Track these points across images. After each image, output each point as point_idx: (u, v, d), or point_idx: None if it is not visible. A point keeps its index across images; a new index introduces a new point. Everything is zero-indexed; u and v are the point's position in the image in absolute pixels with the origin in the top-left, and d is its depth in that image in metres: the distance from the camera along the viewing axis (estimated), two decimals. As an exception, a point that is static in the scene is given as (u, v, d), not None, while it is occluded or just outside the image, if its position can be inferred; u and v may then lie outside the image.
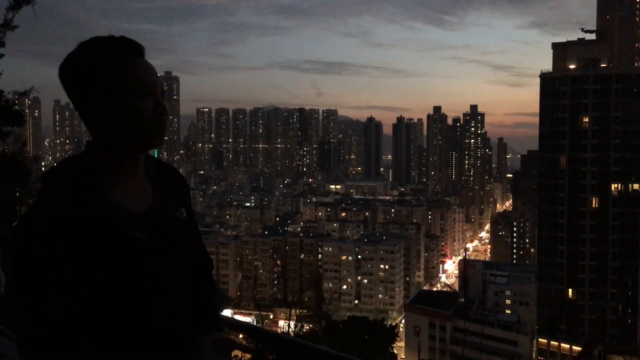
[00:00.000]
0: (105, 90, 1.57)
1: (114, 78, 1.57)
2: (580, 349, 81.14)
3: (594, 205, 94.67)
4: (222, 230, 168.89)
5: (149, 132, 1.63)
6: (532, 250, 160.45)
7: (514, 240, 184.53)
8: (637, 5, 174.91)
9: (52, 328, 1.50)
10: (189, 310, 1.85)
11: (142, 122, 1.60)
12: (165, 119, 1.66)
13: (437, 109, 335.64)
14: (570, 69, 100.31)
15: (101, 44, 1.60)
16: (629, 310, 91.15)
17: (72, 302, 1.52)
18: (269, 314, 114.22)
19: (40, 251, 1.48)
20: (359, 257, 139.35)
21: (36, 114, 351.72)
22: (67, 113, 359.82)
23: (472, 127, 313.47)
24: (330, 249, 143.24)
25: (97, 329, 1.56)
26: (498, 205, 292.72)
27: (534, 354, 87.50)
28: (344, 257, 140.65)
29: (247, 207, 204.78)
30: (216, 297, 2.11)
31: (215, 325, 1.96)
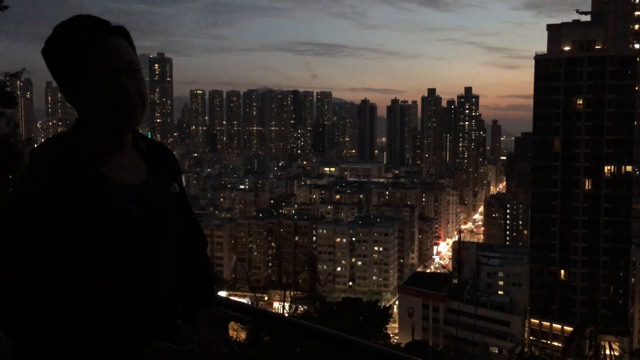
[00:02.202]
0: (68, 77, 1.59)
1: (72, 66, 1.57)
2: (571, 329, 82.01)
3: (586, 187, 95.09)
4: (216, 212, 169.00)
5: (113, 116, 1.61)
6: (525, 232, 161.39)
7: (507, 222, 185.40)
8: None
9: (43, 303, 1.48)
10: (185, 286, 1.89)
11: (103, 107, 1.59)
12: (133, 101, 1.62)
13: (431, 91, 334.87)
14: (565, 50, 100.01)
15: (64, 30, 1.59)
16: (620, 291, 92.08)
17: (65, 275, 1.51)
18: (264, 295, 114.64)
19: (31, 225, 1.47)
20: (353, 239, 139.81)
21: (28, 96, 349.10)
22: (59, 95, 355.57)
23: (467, 109, 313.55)
24: (324, 231, 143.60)
25: (89, 302, 1.56)
26: (492, 187, 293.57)
27: (526, 334, 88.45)
28: (338, 239, 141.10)
29: (242, 189, 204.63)
30: (211, 273, 2.10)
31: (211, 300, 1.96)
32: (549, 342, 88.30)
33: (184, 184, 1.87)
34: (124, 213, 1.60)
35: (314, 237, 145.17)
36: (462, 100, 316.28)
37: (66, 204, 1.50)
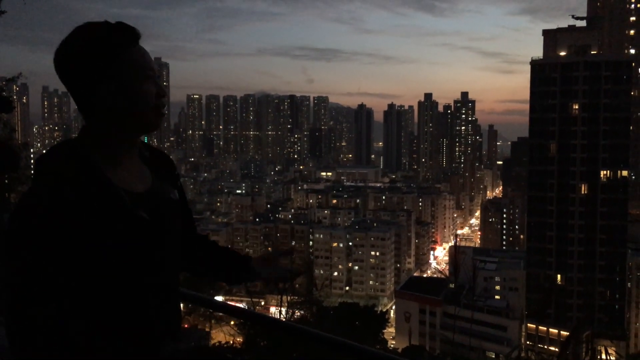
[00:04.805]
0: (109, 75, 1.57)
1: (118, 63, 1.57)
2: (568, 333, 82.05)
3: (583, 192, 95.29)
4: (213, 217, 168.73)
5: (151, 115, 1.66)
6: (521, 236, 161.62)
7: (504, 226, 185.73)
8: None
9: (58, 310, 1.47)
10: (222, 259, 2.14)
11: (147, 105, 1.63)
12: (164, 102, 1.70)
13: (428, 95, 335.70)
14: (560, 55, 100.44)
15: (101, 29, 1.59)
16: (617, 295, 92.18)
17: (78, 283, 1.50)
18: (261, 300, 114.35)
19: (45, 234, 1.45)
20: (350, 243, 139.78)
21: (24, 101, 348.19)
22: (55, 99, 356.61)
23: (463, 114, 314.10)
24: (321, 235, 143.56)
25: (101, 309, 1.56)
26: (488, 192, 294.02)
27: (522, 339, 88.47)
28: (335, 244, 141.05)
29: (238, 194, 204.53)
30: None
31: (244, 256, 2.21)
32: (545, 346, 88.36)
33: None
34: (136, 221, 1.61)
35: (311, 242, 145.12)
36: (458, 105, 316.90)
37: (77, 212, 1.49)
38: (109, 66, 1.57)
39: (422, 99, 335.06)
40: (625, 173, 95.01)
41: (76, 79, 1.59)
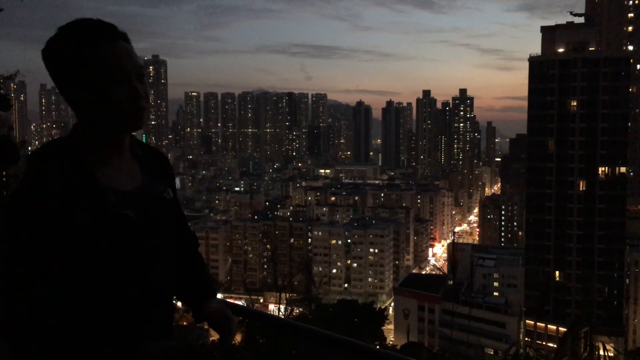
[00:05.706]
0: (77, 78, 1.57)
1: (83, 66, 1.56)
2: (566, 330, 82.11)
3: (581, 189, 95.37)
4: (211, 215, 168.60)
5: (123, 118, 1.62)
6: (520, 233, 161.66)
7: (502, 223, 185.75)
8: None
9: (45, 309, 1.48)
10: (188, 280, 2.01)
11: (114, 108, 1.59)
12: (142, 104, 1.64)
13: (426, 92, 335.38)
14: (558, 52, 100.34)
15: (73, 30, 1.58)
16: (615, 292, 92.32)
17: (65, 281, 1.51)
18: (259, 297, 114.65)
19: (31, 231, 1.47)
20: (349, 241, 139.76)
21: (22, 98, 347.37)
22: (53, 97, 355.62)
23: (461, 111, 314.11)
24: (319, 233, 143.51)
25: (89, 308, 1.56)
26: (487, 188, 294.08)
27: (521, 335, 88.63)
28: (333, 241, 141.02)
29: (237, 191, 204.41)
30: (206, 268, 2.18)
31: (213, 293, 2.08)
32: (544, 343, 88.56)
33: (179, 187, 1.91)
34: (121, 220, 1.61)
35: (309, 239, 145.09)
36: (456, 101, 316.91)
37: (62, 209, 1.50)
38: (74, 69, 1.57)
39: (421, 96, 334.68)
40: (623, 170, 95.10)
41: (53, 79, 1.61)
